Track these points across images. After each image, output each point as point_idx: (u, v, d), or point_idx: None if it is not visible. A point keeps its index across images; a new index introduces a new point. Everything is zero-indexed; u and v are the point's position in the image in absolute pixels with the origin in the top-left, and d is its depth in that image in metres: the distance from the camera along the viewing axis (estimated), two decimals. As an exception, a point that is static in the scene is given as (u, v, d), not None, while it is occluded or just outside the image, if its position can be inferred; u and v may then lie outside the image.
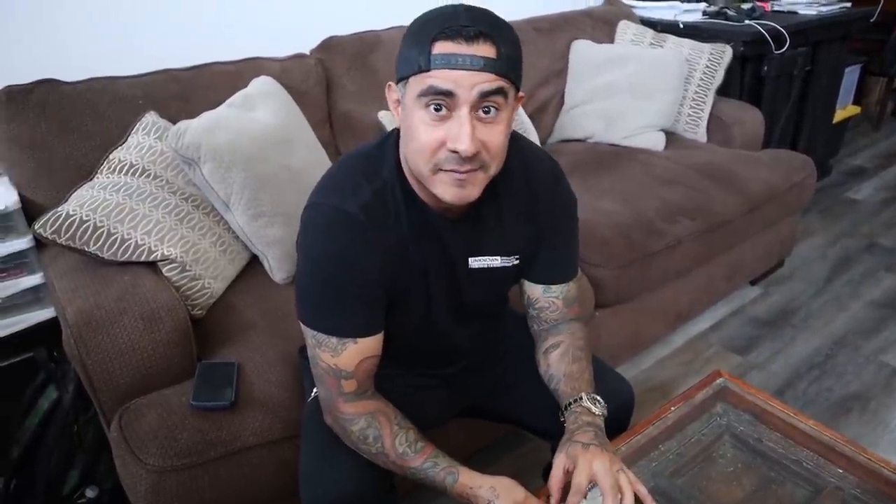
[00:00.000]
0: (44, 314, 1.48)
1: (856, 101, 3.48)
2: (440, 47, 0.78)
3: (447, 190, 0.85)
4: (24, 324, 1.46)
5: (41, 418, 1.35)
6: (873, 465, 1.03)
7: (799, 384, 1.91)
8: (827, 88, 2.97)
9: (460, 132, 0.80)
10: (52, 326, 1.40)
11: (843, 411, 1.80)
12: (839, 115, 3.24)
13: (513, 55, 0.82)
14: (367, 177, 0.91)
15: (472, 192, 0.86)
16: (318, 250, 0.90)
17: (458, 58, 0.78)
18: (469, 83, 0.78)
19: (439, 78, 0.78)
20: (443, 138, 0.81)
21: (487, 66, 0.78)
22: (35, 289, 1.47)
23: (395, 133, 0.94)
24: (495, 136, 0.83)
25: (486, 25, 0.79)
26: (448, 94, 0.79)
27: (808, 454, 1.08)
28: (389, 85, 0.90)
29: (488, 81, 0.79)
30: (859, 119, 3.87)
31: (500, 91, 0.81)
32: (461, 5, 0.82)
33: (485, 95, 0.80)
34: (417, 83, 0.80)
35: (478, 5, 0.83)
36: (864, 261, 2.56)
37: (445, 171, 0.83)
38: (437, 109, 0.80)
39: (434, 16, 0.81)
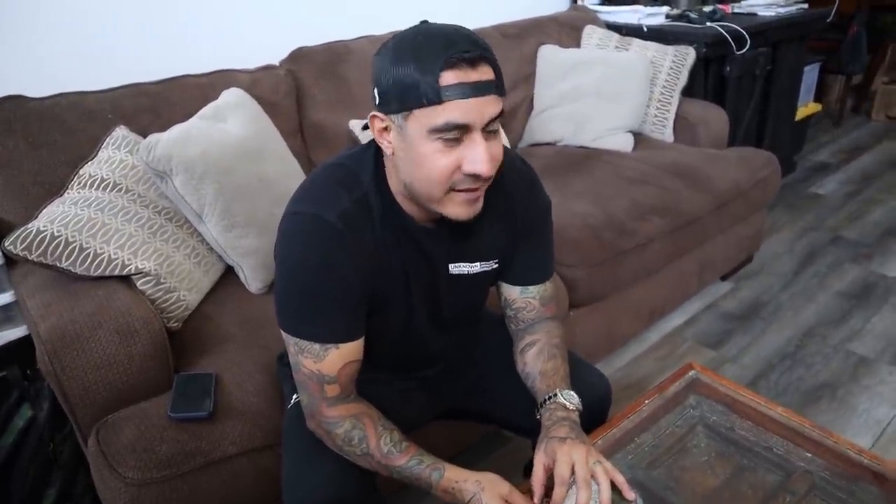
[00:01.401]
0: (15, 332, 1.45)
1: (817, 99, 3.58)
2: (448, 78, 0.79)
3: (459, 209, 0.88)
4: (-3, 343, 1.45)
5: (15, 437, 1.33)
6: (840, 448, 1.06)
7: (771, 375, 1.95)
8: (788, 87, 3.05)
9: (479, 157, 0.83)
10: (24, 345, 1.38)
11: (814, 399, 1.85)
12: (801, 113, 3.33)
13: (500, 69, 0.85)
14: (345, 186, 0.92)
15: (479, 205, 0.91)
16: (296, 259, 0.90)
17: (469, 86, 0.79)
18: (480, 112, 0.81)
19: (454, 111, 0.80)
20: (457, 162, 0.84)
21: (491, 88, 0.82)
22: (5, 307, 1.45)
23: (373, 145, 0.95)
24: (499, 148, 0.88)
25: (480, 47, 0.81)
26: (463, 127, 0.81)
27: (778, 440, 1.11)
28: (374, 115, 0.88)
29: (494, 108, 0.83)
30: (821, 116, 3.98)
31: (501, 113, 0.85)
32: (446, 27, 0.83)
33: (492, 119, 0.83)
34: (428, 117, 0.81)
35: (442, 15, 0.85)
36: (829, 253, 2.63)
37: (458, 190, 0.86)
38: (448, 137, 0.82)
39: (423, 43, 0.80)
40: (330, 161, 0.98)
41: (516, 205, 1.05)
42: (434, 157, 0.83)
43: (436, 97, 0.79)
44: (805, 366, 1.99)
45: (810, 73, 3.39)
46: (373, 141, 0.94)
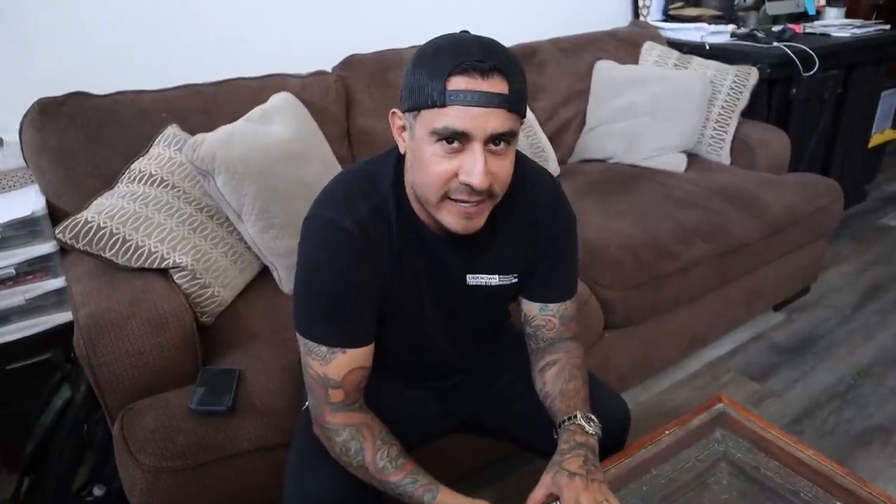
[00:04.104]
0: (65, 316, 1.53)
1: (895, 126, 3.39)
2: (455, 83, 0.79)
3: (454, 221, 0.87)
4: (47, 325, 1.52)
5: (54, 416, 1.40)
6: (873, 498, 0.99)
7: (818, 414, 1.85)
8: (862, 112, 2.91)
9: (474, 167, 0.81)
10: (70, 328, 1.45)
11: (863, 444, 1.74)
12: (876, 140, 3.16)
13: (522, 89, 0.84)
14: (364, 192, 0.93)
15: (478, 222, 0.89)
16: (311, 261, 0.92)
17: (474, 94, 0.79)
18: (483, 123, 0.80)
19: (455, 117, 0.79)
20: (455, 170, 0.83)
21: (501, 102, 0.80)
22: (58, 292, 1.53)
23: (396, 151, 0.95)
24: (504, 168, 0.86)
25: (498, 60, 0.80)
26: (463, 134, 0.81)
27: (806, 485, 1.05)
28: (394, 112, 0.90)
29: (501, 122, 0.81)
30: (899, 144, 3.76)
31: (511, 132, 0.83)
32: (472, 36, 0.84)
33: (497, 135, 0.82)
34: (431, 118, 0.81)
35: (495, 26, 0.84)
36: (895, 289, 2.48)
37: (454, 200, 0.85)
38: (449, 143, 0.82)
39: (444, 47, 0.82)
40: (351, 167, 1.00)
41: (539, 219, 1.03)
42: (433, 160, 0.83)
43: (440, 100, 0.79)
44: (857, 407, 1.88)
45: (889, 99, 3.21)
46: (396, 147, 0.95)
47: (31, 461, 1.42)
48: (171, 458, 1.09)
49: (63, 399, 1.41)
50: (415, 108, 0.83)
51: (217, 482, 1.13)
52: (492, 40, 0.84)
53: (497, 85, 0.80)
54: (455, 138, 0.81)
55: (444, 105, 0.79)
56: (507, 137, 0.84)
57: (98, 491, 1.37)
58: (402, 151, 0.91)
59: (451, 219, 0.87)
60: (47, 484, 1.38)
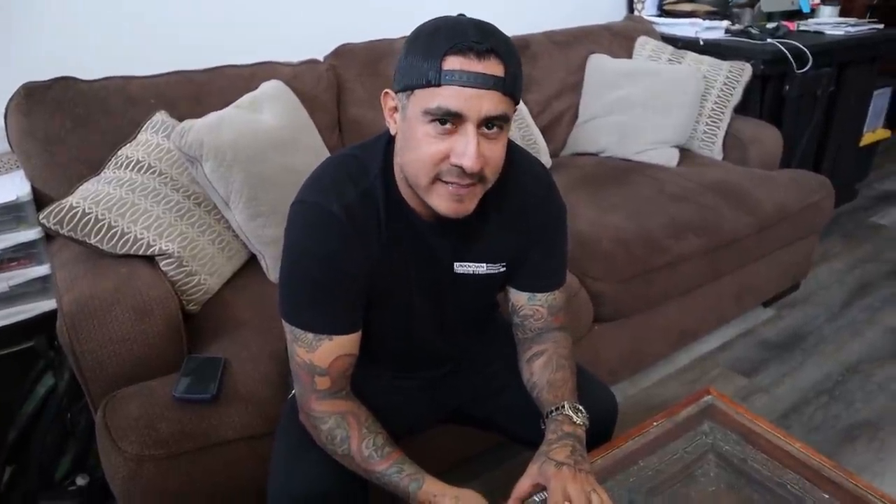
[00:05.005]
0: (50, 304, 1.51)
1: (888, 125, 3.40)
2: (451, 63, 0.78)
3: (445, 203, 0.86)
4: (31, 312, 1.50)
5: (37, 405, 1.39)
6: (860, 491, 1.00)
7: (805, 409, 1.86)
8: (854, 110, 2.91)
9: (467, 149, 0.81)
10: (55, 316, 1.43)
11: (850, 439, 1.75)
12: (868, 139, 3.17)
13: (517, 73, 0.83)
14: (352, 178, 0.92)
15: (469, 205, 0.88)
16: (298, 247, 0.91)
17: (470, 75, 0.78)
18: (477, 105, 0.79)
19: (449, 97, 0.78)
20: (446, 151, 0.82)
21: (497, 84, 0.80)
22: (43, 279, 1.51)
23: (386, 136, 0.94)
24: (496, 152, 0.85)
25: (495, 42, 0.80)
26: (456, 115, 0.80)
27: (794, 477, 1.05)
28: (387, 92, 0.89)
29: (495, 105, 0.80)
30: (890, 143, 3.77)
31: (504, 116, 0.82)
32: (468, 18, 0.83)
33: (491, 118, 0.81)
34: (425, 98, 0.80)
35: (488, 18, 0.84)
36: (884, 287, 2.49)
37: (444, 182, 0.84)
38: (442, 123, 0.81)
39: (441, 27, 0.81)
40: (340, 152, 0.99)
41: (530, 208, 1.02)
42: (425, 141, 0.82)
43: (435, 79, 0.78)
44: (844, 403, 1.88)
45: (881, 98, 3.22)
46: (386, 132, 0.94)
47: (14, 450, 1.40)
48: (154, 446, 1.07)
49: (46, 387, 1.40)
50: (408, 87, 0.82)
51: (201, 471, 1.11)
52: (488, 24, 0.83)
53: (493, 67, 0.79)
54: (448, 119, 0.80)
55: (438, 84, 0.78)
56: (501, 121, 0.83)
57: (81, 480, 1.35)
58: (392, 133, 0.90)
59: (441, 202, 0.86)
60: (30, 473, 1.36)
